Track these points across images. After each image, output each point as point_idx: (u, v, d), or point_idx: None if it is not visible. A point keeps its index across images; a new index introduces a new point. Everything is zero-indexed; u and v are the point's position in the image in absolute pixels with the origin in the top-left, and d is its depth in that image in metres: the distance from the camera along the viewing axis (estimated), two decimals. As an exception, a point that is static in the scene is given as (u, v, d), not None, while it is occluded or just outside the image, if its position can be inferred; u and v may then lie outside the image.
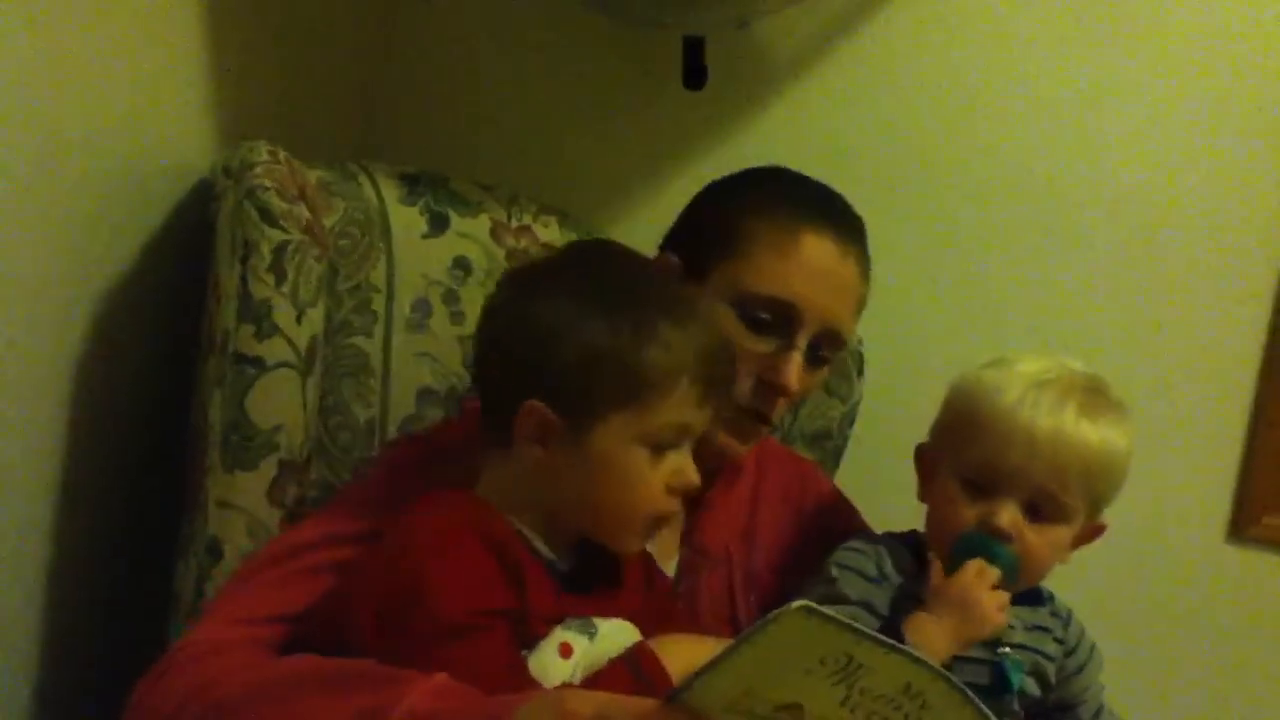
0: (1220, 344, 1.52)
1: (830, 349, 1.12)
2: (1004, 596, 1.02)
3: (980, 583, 1.01)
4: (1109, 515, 1.49)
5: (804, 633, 0.70)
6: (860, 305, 1.15)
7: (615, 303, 0.92)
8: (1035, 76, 1.53)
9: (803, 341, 1.09)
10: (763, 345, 1.09)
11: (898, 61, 1.56)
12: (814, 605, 0.69)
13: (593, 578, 0.97)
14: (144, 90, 1.20)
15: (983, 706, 0.74)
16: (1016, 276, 1.56)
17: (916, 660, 0.72)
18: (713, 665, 0.73)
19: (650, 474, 0.93)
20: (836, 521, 1.24)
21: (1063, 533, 1.06)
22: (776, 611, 0.69)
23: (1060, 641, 1.10)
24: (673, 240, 1.18)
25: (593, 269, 0.98)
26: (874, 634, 0.71)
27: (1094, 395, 1.06)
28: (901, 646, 0.72)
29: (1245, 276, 1.51)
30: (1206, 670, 1.56)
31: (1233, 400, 1.52)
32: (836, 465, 1.48)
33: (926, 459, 1.13)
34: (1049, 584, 1.14)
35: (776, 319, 1.08)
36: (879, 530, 1.19)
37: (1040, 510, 1.04)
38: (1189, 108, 1.51)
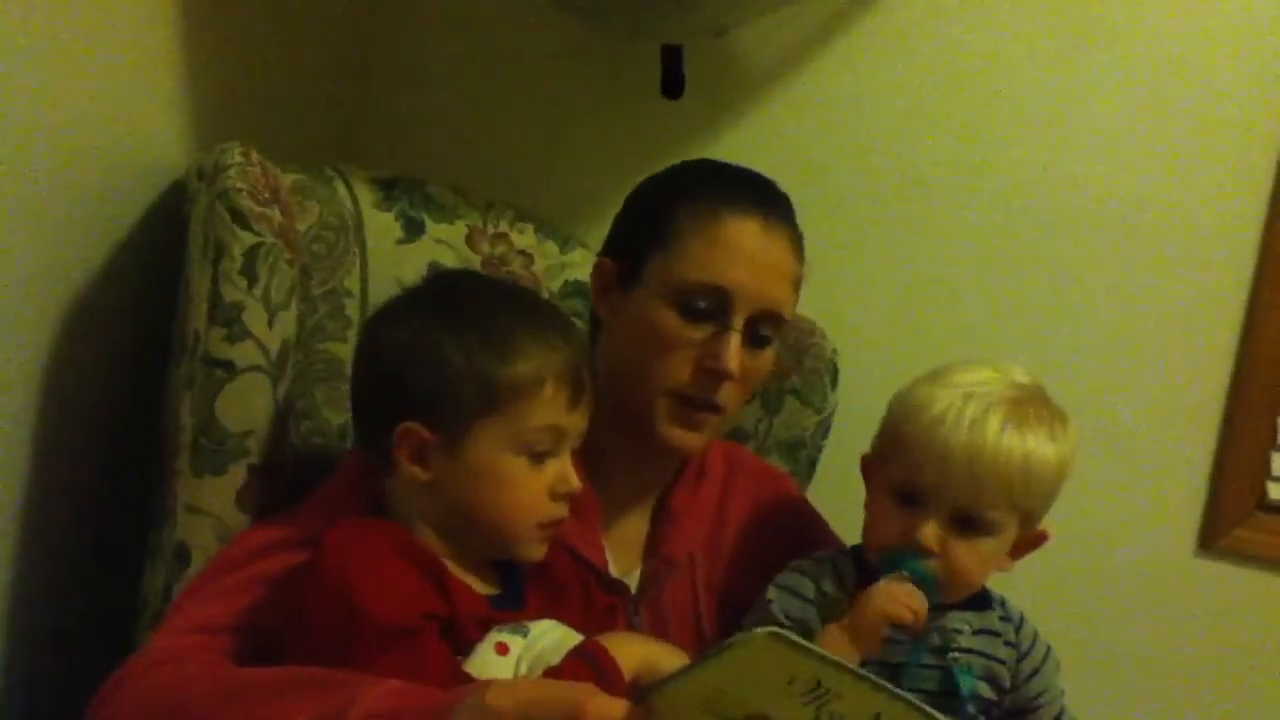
0: (1191, 356, 1.53)
1: (771, 328, 1.12)
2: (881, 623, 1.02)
3: (886, 599, 1.02)
4: (1081, 526, 1.52)
5: (771, 656, 0.70)
6: (796, 281, 1.15)
7: (465, 319, 0.96)
8: (1010, 87, 1.54)
9: (738, 323, 1.09)
10: (700, 333, 1.09)
11: (874, 70, 1.56)
12: (781, 631, 0.69)
13: (524, 601, 0.99)
14: (119, 92, 1.19)
15: None
16: (991, 286, 1.57)
17: (885, 690, 0.72)
18: (681, 674, 0.73)
19: (531, 480, 0.96)
20: (804, 532, 1.24)
21: (990, 545, 1.05)
22: (743, 635, 0.70)
23: (1012, 645, 1.10)
24: (608, 245, 1.19)
25: (445, 293, 1.02)
26: (843, 662, 0.71)
27: (1023, 406, 1.04)
28: (870, 676, 0.72)
29: (1217, 287, 1.52)
30: (1177, 681, 1.57)
31: (1203, 413, 1.53)
32: (810, 475, 1.48)
33: (867, 466, 1.14)
34: (1015, 591, 1.15)
35: (710, 305, 1.09)
36: (848, 541, 1.20)
37: (965, 523, 1.04)
38: (1161, 117, 1.52)
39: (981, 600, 1.12)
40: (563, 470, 0.97)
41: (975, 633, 1.09)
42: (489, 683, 0.82)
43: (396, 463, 0.96)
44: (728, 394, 1.10)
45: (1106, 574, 1.56)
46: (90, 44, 1.13)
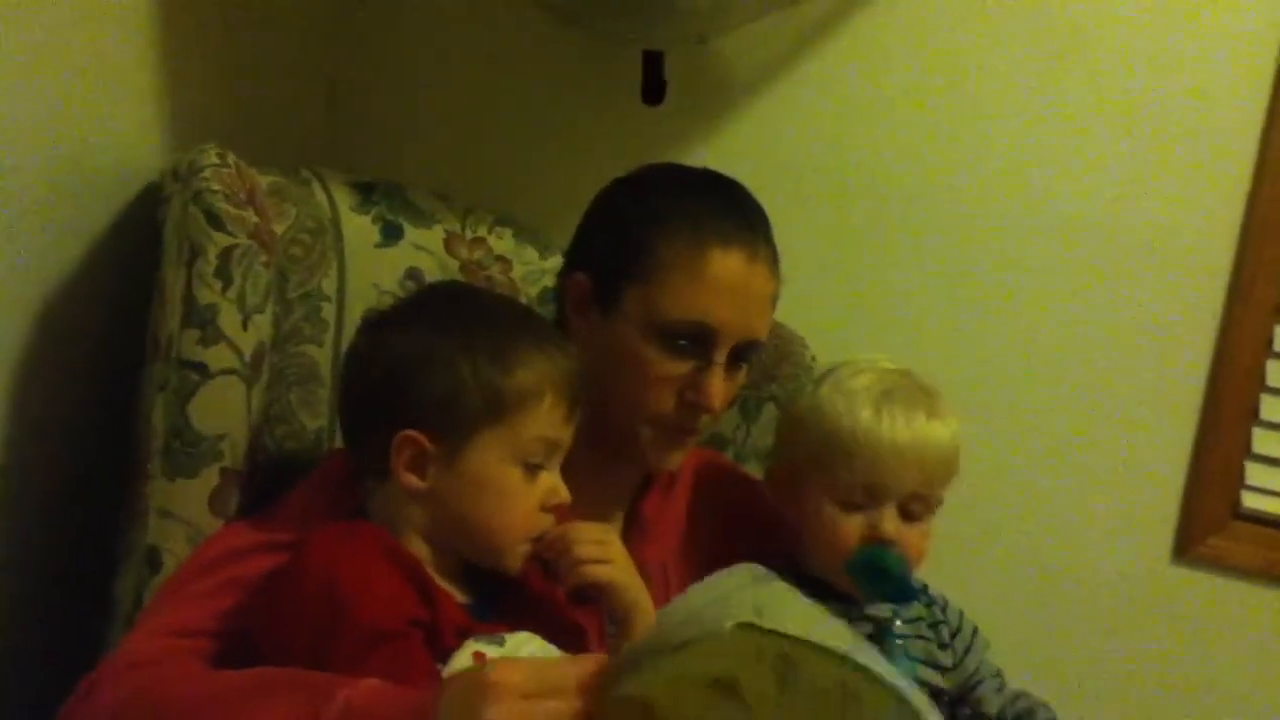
0: (1166, 365, 1.54)
1: (749, 352, 1.13)
2: None
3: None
4: (1057, 535, 1.53)
5: (740, 642, 0.70)
6: (774, 301, 1.15)
7: (470, 329, 0.97)
8: (989, 98, 1.55)
9: (721, 357, 1.10)
10: (682, 366, 1.10)
11: (855, 79, 1.57)
12: (753, 622, 0.69)
13: (497, 610, 0.99)
14: (93, 92, 1.19)
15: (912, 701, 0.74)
16: (968, 297, 1.57)
17: (850, 662, 0.72)
18: (644, 665, 0.74)
19: (525, 492, 0.97)
20: (776, 541, 1.24)
21: (929, 524, 1.12)
22: (712, 629, 0.70)
23: (941, 624, 1.15)
24: (578, 258, 1.17)
25: (446, 303, 1.02)
26: (815, 641, 0.72)
27: (928, 395, 1.12)
28: (838, 650, 0.72)
29: (1191, 297, 1.53)
30: (1152, 689, 1.58)
31: (1178, 421, 1.54)
32: (788, 482, 1.47)
33: (784, 481, 1.16)
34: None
35: (693, 342, 1.09)
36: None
37: (911, 510, 1.10)
38: (1138, 129, 1.52)
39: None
40: (554, 483, 0.98)
41: (908, 622, 1.12)
42: (464, 675, 0.82)
43: (392, 471, 0.95)
44: (708, 420, 1.13)
45: (1082, 583, 1.57)
46: (64, 43, 1.12)
